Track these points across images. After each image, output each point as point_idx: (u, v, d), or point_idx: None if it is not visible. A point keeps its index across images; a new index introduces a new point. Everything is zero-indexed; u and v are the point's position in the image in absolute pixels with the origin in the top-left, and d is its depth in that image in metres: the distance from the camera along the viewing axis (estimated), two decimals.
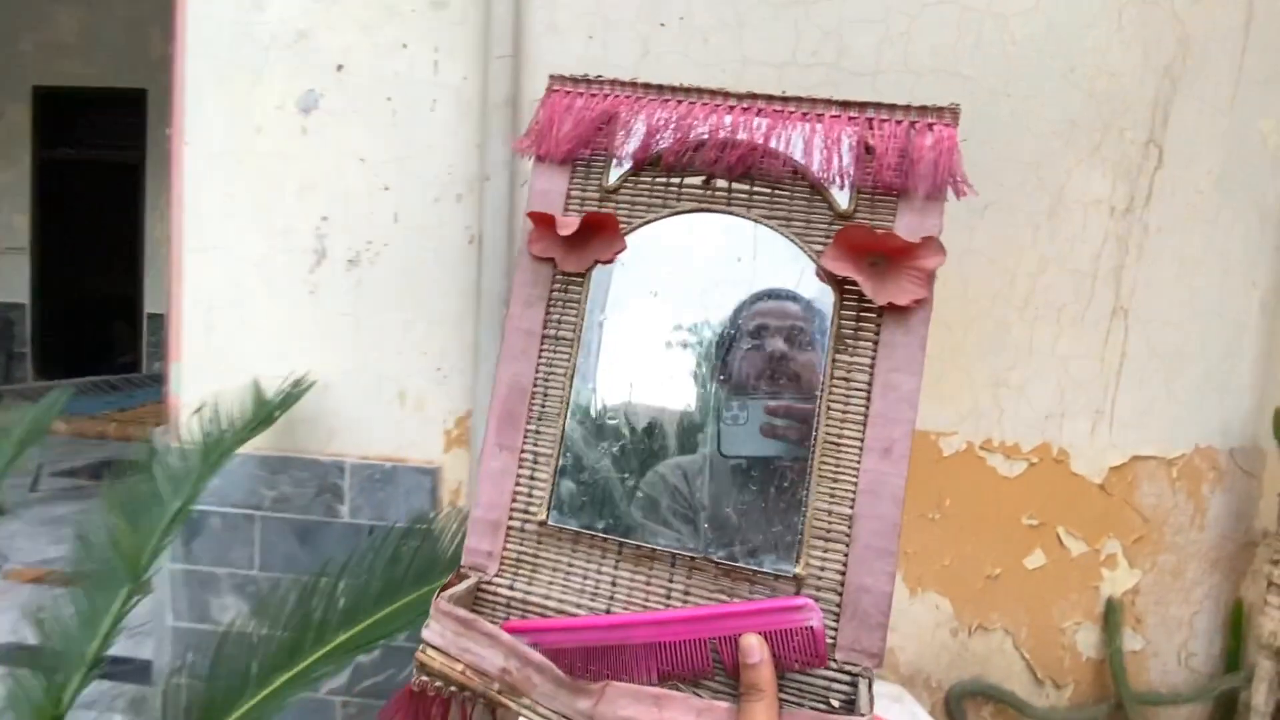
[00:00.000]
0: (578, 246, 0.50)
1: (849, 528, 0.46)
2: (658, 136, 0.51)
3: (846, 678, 0.44)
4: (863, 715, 0.42)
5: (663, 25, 1.27)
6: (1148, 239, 1.27)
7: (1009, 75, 1.24)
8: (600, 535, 0.48)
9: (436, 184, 1.33)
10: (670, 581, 0.47)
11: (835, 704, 0.44)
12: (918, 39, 1.24)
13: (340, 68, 1.32)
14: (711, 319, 0.49)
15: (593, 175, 0.52)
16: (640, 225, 0.51)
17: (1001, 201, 1.27)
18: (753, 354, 0.49)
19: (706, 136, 0.50)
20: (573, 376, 0.50)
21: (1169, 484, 1.33)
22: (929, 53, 1.25)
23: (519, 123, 1.30)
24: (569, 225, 0.50)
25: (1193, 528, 1.34)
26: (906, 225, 0.47)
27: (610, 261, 0.50)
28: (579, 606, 0.48)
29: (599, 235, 0.50)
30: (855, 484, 0.46)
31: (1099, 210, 1.26)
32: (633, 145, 0.51)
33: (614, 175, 0.51)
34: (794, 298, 0.48)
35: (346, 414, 1.40)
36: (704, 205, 0.50)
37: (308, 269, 1.37)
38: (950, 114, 0.49)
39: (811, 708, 0.44)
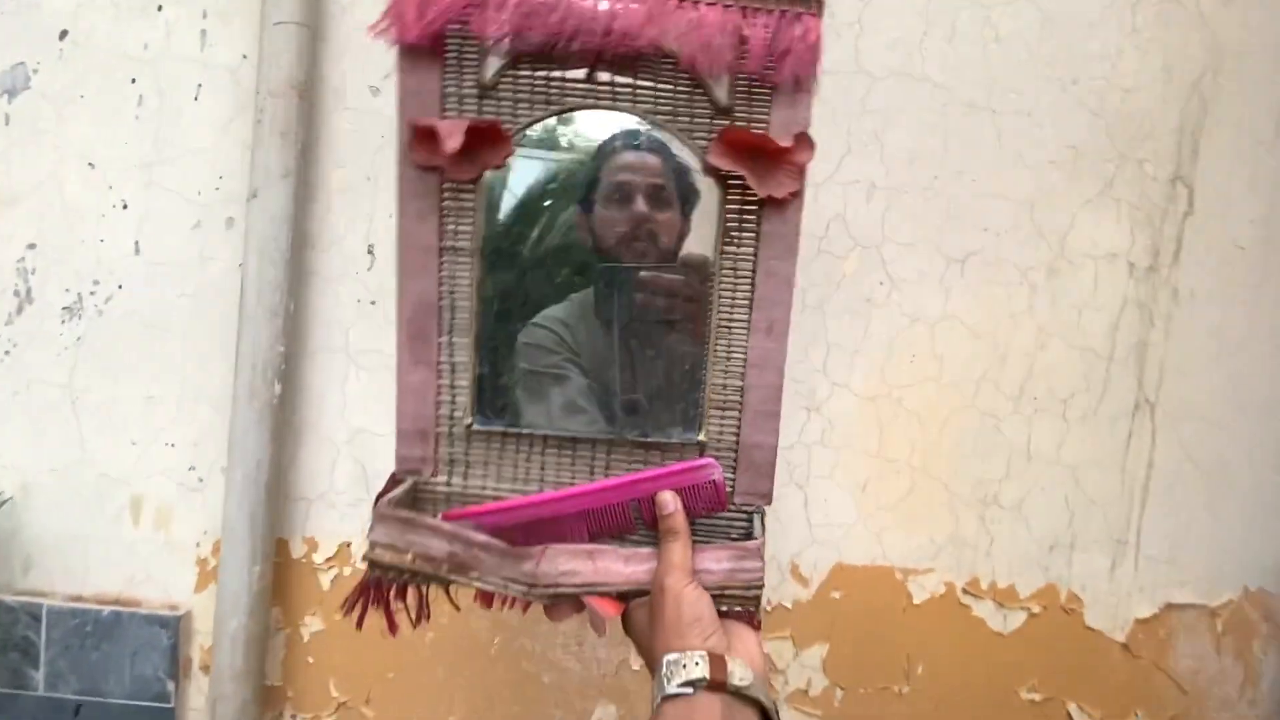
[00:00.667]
0: (465, 154, 0.49)
1: (741, 397, 0.54)
2: (532, 20, 0.48)
3: (744, 516, 0.55)
4: (758, 538, 0.53)
5: None
6: (1178, 307, 0.94)
7: (992, 84, 0.92)
8: (525, 431, 0.53)
9: (199, 203, 0.92)
10: (593, 462, 0.54)
11: (735, 536, 0.55)
12: (871, 32, 0.92)
13: (64, 34, 0.92)
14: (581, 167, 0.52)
15: (467, 68, 0.50)
16: (526, 125, 0.51)
17: (986, 251, 0.93)
18: (616, 213, 0.53)
19: (586, 21, 0.48)
20: (477, 288, 0.52)
21: (1212, 641, 0.97)
22: (885, 49, 0.92)
23: (312, 121, 0.91)
24: (453, 135, 0.48)
25: (1242, 700, 0.98)
26: (780, 119, 0.52)
27: (499, 167, 0.51)
28: (513, 493, 0.53)
29: (485, 142, 0.49)
30: (745, 360, 0.54)
31: (1114, 267, 0.93)
32: (506, 29, 0.48)
33: (490, 69, 0.50)
34: (655, 149, 0.51)
35: (51, 534, 0.94)
36: (589, 101, 0.50)
37: (2, 319, 0.93)
38: (817, 4, 0.52)
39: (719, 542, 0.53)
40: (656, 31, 0.48)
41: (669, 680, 0.46)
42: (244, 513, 0.85)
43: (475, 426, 0.53)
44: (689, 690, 0.45)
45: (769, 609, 0.94)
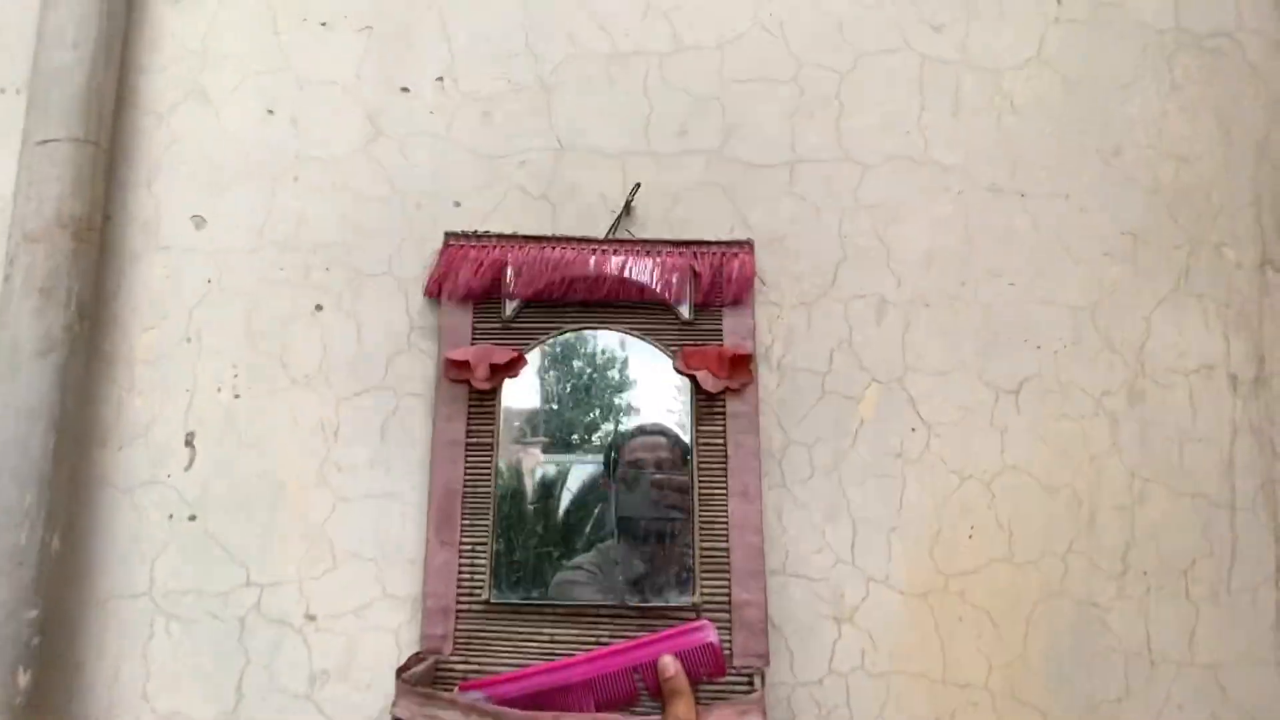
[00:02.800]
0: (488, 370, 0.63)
1: (727, 558, 0.61)
2: (542, 278, 0.64)
3: (744, 680, 0.59)
4: (757, 690, 0.57)
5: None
6: None
7: (1015, 162, 0.72)
8: (536, 602, 0.60)
9: None
10: (597, 628, 0.60)
11: None
12: (855, 111, 0.72)
13: None
14: (601, 435, 0.64)
15: (490, 309, 0.65)
16: (536, 345, 0.65)
17: (1044, 375, 0.69)
18: (633, 482, 0.63)
19: (579, 275, 0.65)
20: (496, 476, 0.62)
21: None
22: (875, 129, 0.72)
23: (106, 270, 0.65)
24: (482, 370, 0.62)
25: None
26: (730, 325, 0.66)
27: (516, 376, 0.64)
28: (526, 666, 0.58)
29: (505, 365, 0.63)
30: (726, 522, 0.62)
31: (1212, 382, 0.70)
32: (522, 285, 0.64)
33: (509, 309, 0.65)
34: (663, 432, 0.64)
35: None
36: (584, 324, 0.66)
37: None
38: (748, 246, 0.67)
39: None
40: (632, 275, 0.65)
41: None
42: None
43: (491, 600, 0.60)
44: None
45: None
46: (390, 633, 0.62)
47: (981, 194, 0.71)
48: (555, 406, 0.65)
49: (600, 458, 0.64)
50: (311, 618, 0.62)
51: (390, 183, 0.69)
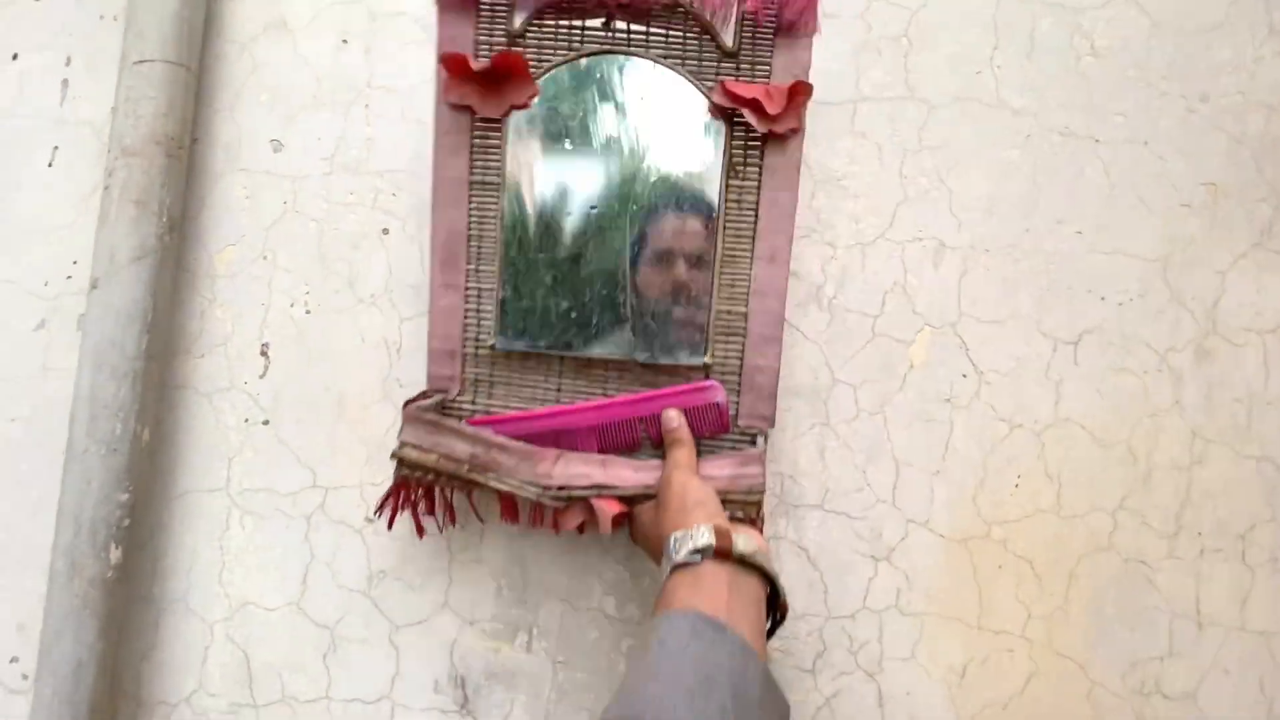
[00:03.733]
0: (492, 91, 0.55)
1: (744, 323, 0.59)
2: None
3: (748, 439, 0.59)
4: (760, 446, 0.58)
5: None
6: None
7: (1091, 107, 0.69)
8: (544, 352, 0.58)
9: (44, 296, 0.70)
10: (605, 382, 0.59)
11: None
12: (923, 48, 0.70)
13: None
14: (624, 201, 0.58)
15: (497, 20, 0.56)
16: (550, 69, 0.56)
17: (1107, 328, 0.67)
18: (657, 273, 0.58)
19: None
20: (503, 218, 0.58)
21: None
22: (944, 69, 0.70)
23: (191, 188, 0.69)
24: (481, 63, 0.55)
25: None
26: (782, 62, 0.57)
27: (525, 106, 0.56)
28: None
29: (511, 79, 0.55)
30: (748, 288, 0.58)
31: None
32: None
33: (518, 19, 0.56)
34: (695, 209, 0.58)
35: None
36: (606, 47, 0.57)
37: None
38: None
39: None
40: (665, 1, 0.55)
41: (676, 551, 0.47)
42: None
43: (497, 346, 0.59)
44: (696, 559, 0.47)
45: None
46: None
47: (1052, 139, 0.69)
48: (569, 146, 0.58)
49: (621, 207, 0.57)
50: (370, 521, 0.66)
51: None
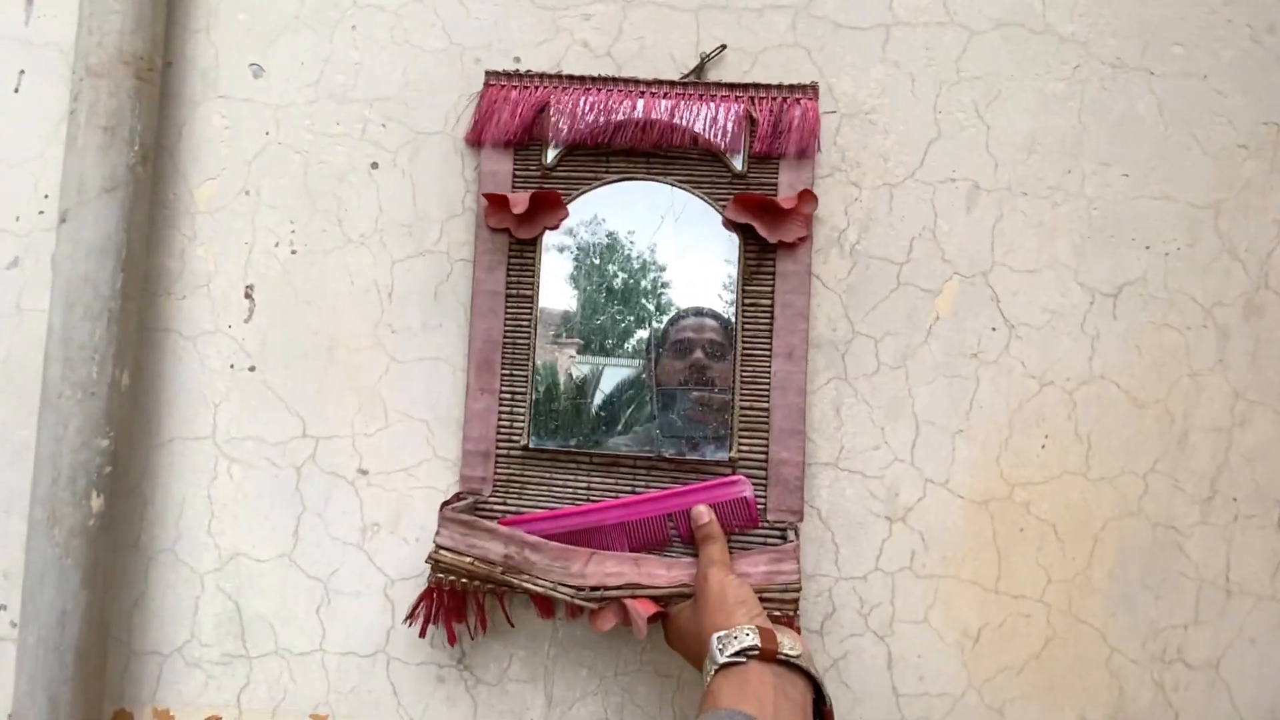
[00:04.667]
0: (528, 218, 0.61)
1: (767, 417, 0.60)
2: (585, 120, 0.61)
3: (777, 534, 0.59)
4: (793, 541, 0.57)
5: None
6: None
7: (1146, 36, 0.63)
8: (573, 450, 0.60)
9: (15, 233, 0.66)
10: (634, 479, 0.60)
11: None
12: None
13: None
14: (647, 311, 0.62)
15: (531, 155, 0.62)
16: (579, 195, 0.62)
17: (1150, 280, 0.62)
18: (677, 361, 0.61)
19: (624, 119, 0.60)
20: (535, 327, 0.61)
21: None
22: None
23: (168, 115, 0.64)
24: (520, 202, 0.59)
25: None
26: (787, 180, 0.61)
27: (557, 227, 0.61)
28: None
29: (545, 208, 0.61)
30: (769, 383, 0.60)
31: None
32: (564, 129, 0.61)
33: (551, 155, 0.62)
34: (713, 315, 0.61)
35: None
36: (629, 174, 0.62)
37: None
38: (812, 90, 0.61)
39: None
40: (682, 122, 0.60)
41: (721, 652, 0.47)
42: (39, 690, 0.56)
43: (530, 445, 0.61)
44: (741, 660, 0.47)
45: None
46: (439, 492, 0.63)
47: (1102, 70, 0.63)
48: (588, 305, 0.62)
49: (641, 338, 0.61)
50: (364, 472, 0.64)
51: (448, 34, 0.65)
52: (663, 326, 0.61)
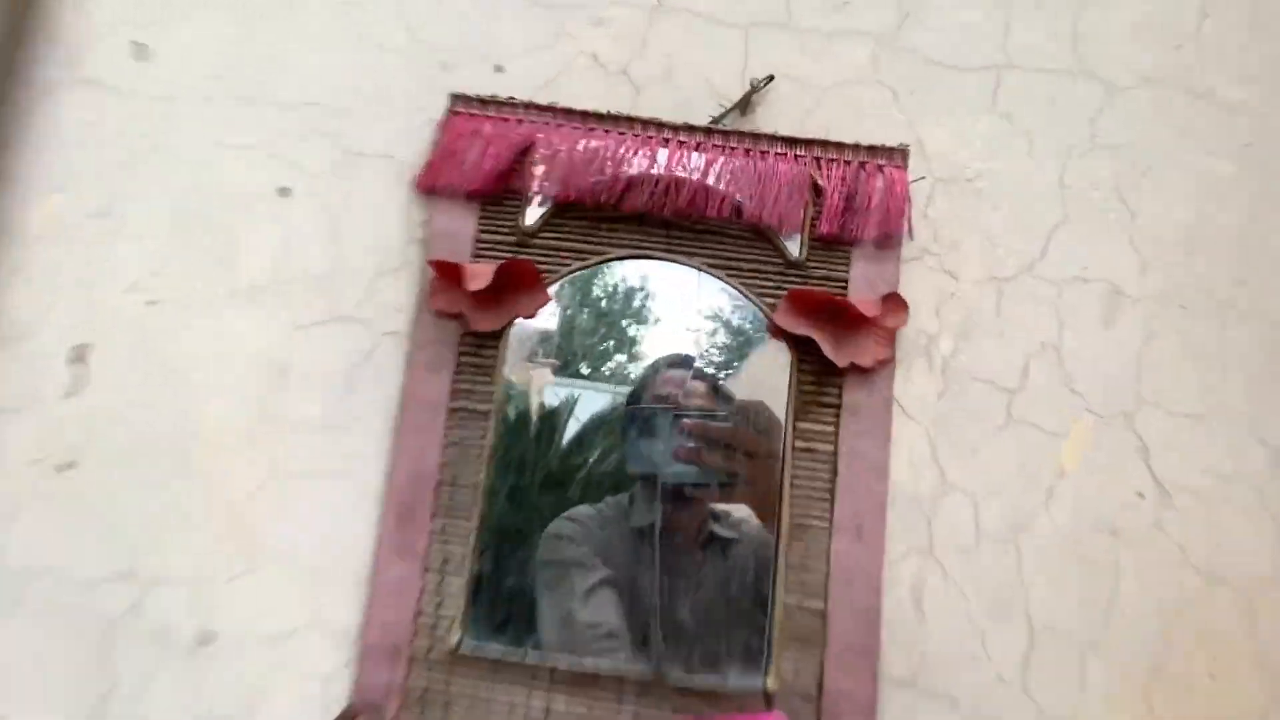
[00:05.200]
0: (492, 301, 0.42)
1: (822, 625, 0.40)
2: (584, 171, 0.43)
3: None
4: None
5: None
6: None
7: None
8: (526, 662, 0.39)
9: None
10: (618, 709, 0.39)
11: None
12: (1106, 1, 0.48)
13: None
14: (657, 451, 0.41)
15: (505, 213, 0.44)
16: (566, 274, 0.43)
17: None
18: (698, 547, 0.41)
19: (639, 173, 0.43)
20: (489, 459, 0.41)
21: None
22: (1135, 35, 0.48)
23: (8, 107, 0.46)
24: (481, 276, 0.41)
25: None
26: (862, 275, 0.43)
27: (532, 316, 0.43)
28: None
29: (518, 288, 0.42)
30: (826, 573, 0.41)
31: None
32: (554, 181, 0.43)
33: (532, 216, 0.44)
34: (701, 376, 0.43)
35: None
36: (642, 250, 0.44)
37: None
38: (900, 155, 0.44)
39: None
40: (718, 184, 0.43)
41: None
42: None
43: (463, 649, 0.40)
44: None
45: None
46: (318, 680, 0.42)
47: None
48: (585, 370, 0.44)
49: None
50: (209, 638, 0.43)
51: (409, 29, 0.48)
52: (676, 485, 0.43)
